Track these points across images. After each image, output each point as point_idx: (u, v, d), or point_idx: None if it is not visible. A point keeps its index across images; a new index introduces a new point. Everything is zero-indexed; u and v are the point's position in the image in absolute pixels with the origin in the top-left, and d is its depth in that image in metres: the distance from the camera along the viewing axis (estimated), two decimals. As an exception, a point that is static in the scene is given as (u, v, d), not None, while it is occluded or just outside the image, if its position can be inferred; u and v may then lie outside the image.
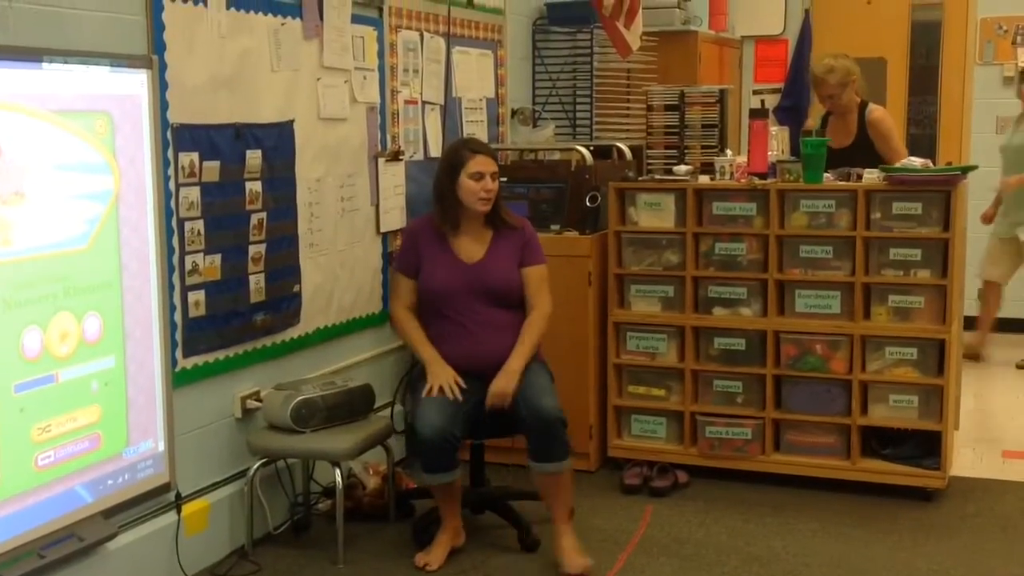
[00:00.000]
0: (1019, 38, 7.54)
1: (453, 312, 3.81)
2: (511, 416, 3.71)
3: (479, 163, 3.78)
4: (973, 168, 4.36)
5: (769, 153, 4.48)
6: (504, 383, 3.69)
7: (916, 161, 4.25)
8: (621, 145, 5.17)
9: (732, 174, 4.46)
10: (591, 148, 5.01)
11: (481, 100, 5.34)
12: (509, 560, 3.80)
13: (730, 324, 4.50)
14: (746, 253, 4.44)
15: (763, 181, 4.39)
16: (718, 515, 4.23)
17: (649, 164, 4.84)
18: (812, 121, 5.31)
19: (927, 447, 4.32)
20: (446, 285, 3.80)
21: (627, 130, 5.68)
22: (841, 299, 4.34)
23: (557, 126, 5.74)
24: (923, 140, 7.73)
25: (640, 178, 4.72)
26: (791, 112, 8.06)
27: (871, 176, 4.27)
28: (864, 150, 4.94)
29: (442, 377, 3.70)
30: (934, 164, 4.42)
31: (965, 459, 4.81)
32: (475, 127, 5.28)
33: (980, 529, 4.07)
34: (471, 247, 3.85)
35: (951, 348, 4.22)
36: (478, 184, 3.77)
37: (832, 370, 4.37)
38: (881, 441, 4.45)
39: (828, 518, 4.18)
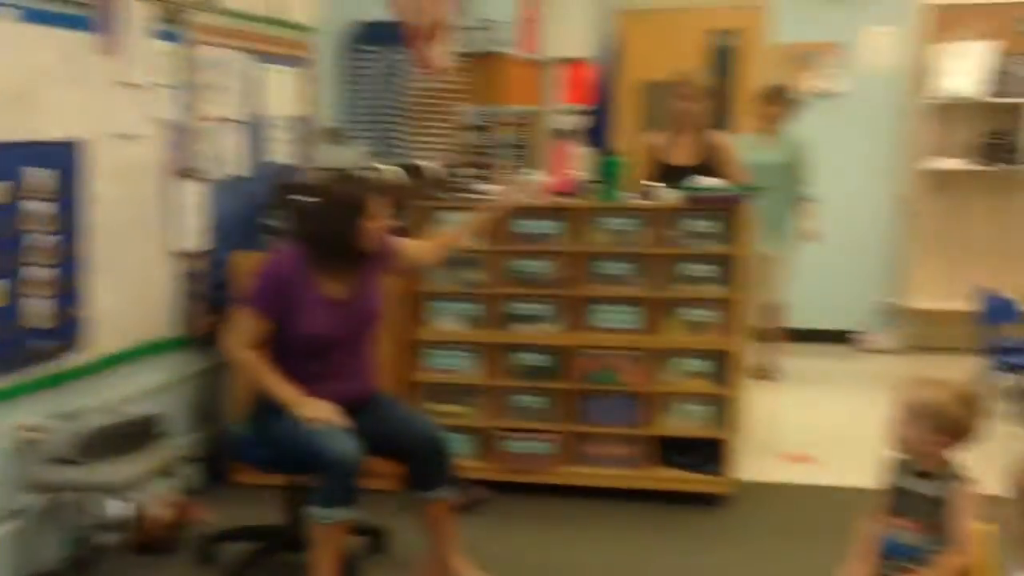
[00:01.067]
0: (809, 63, 8.01)
1: (325, 354, 3.58)
2: (387, 443, 3.61)
3: (378, 204, 3.57)
4: (760, 189, 4.61)
5: (572, 172, 4.63)
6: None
7: (707, 180, 4.47)
8: (429, 164, 5.24)
9: (534, 191, 4.59)
10: (399, 167, 5.07)
11: (288, 118, 5.32)
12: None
13: (532, 340, 4.62)
14: (549, 270, 4.58)
15: (565, 199, 4.53)
16: (518, 529, 4.33)
17: (455, 183, 4.91)
18: (654, 138, 5.33)
19: (715, 455, 4.54)
20: (327, 333, 3.56)
21: (438, 149, 5.76)
22: (638, 314, 4.52)
23: (368, 146, 5.77)
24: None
25: (446, 197, 4.80)
26: (596, 134, 8.34)
27: (667, 195, 4.47)
28: (707, 172, 4.94)
29: (320, 411, 3.46)
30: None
31: (751, 464, 5.07)
32: (282, 146, 5.26)
33: (762, 532, 4.30)
34: (337, 285, 3.60)
35: (737, 359, 4.46)
36: (374, 224, 3.57)
37: (628, 383, 4.54)
38: (674, 450, 4.65)
39: (624, 527, 4.34)
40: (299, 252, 3.60)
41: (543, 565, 3.98)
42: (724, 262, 4.42)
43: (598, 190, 4.50)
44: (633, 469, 4.59)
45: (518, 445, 4.63)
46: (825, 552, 3.05)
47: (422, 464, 3.62)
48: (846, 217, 8.02)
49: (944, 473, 2.79)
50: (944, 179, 7.80)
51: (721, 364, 4.48)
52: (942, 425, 2.72)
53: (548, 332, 4.60)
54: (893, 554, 2.84)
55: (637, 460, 4.59)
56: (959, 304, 7.21)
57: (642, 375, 4.52)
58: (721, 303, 4.45)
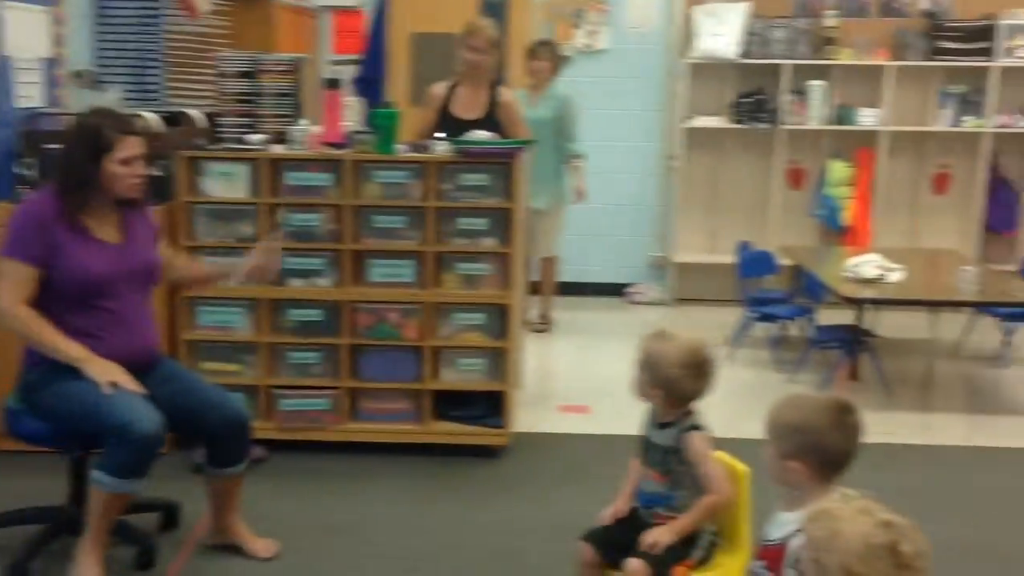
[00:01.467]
0: (577, 19, 8.11)
1: (105, 302, 3.32)
2: (185, 420, 3.41)
3: (129, 146, 3.31)
4: (531, 142, 4.62)
5: (344, 124, 4.50)
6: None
7: (481, 134, 4.44)
8: (192, 112, 4.99)
9: (307, 144, 4.44)
10: (160, 115, 4.79)
11: (36, 60, 4.93)
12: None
13: (306, 296, 4.49)
14: (321, 224, 4.45)
15: (337, 151, 4.40)
16: (295, 487, 4.23)
17: (221, 132, 4.69)
18: (439, 88, 5.26)
19: (493, 407, 4.56)
20: (102, 272, 3.30)
21: (200, 96, 5.49)
22: (413, 268, 4.46)
23: (124, 91, 5.43)
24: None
25: (212, 147, 4.58)
26: (368, 84, 8.18)
27: (441, 147, 4.41)
28: (491, 127, 4.98)
29: (112, 372, 3.22)
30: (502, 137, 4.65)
31: (528, 416, 5.13)
32: (30, 89, 4.87)
33: (540, 481, 4.36)
34: (107, 228, 3.38)
35: (513, 313, 4.47)
36: (127, 170, 3.30)
37: (405, 337, 4.49)
38: (451, 403, 4.64)
39: (402, 482, 4.30)
40: (54, 195, 3.33)
41: (323, 523, 3.89)
42: (499, 216, 4.41)
43: (371, 142, 4.38)
44: (412, 424, 4.56)
45: (294, 403, 4.51)
46: (599, 497, 3.10)
47: (225, 444, 3.46)
48: (616, 173, 8.24)
49: (680, 423, 2.87)
50: (706, 137, 8.10)
51: (498, 318, 4.48)
52: (657, 379, 2.78)
53: (322, 287, 4.48)
54: (644, 502, 2.92)
55: (416, 415, 4.55)
56: (722, 257, 7.54)
57: (419, 329, 4.47)
58: (496, 257, 4.44)
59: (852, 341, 5.38)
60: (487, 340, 4.49)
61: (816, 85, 7.83)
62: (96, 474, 3.19)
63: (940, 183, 8.14)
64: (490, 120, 5.11)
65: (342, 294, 4.46)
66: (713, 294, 7.90)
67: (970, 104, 7.87)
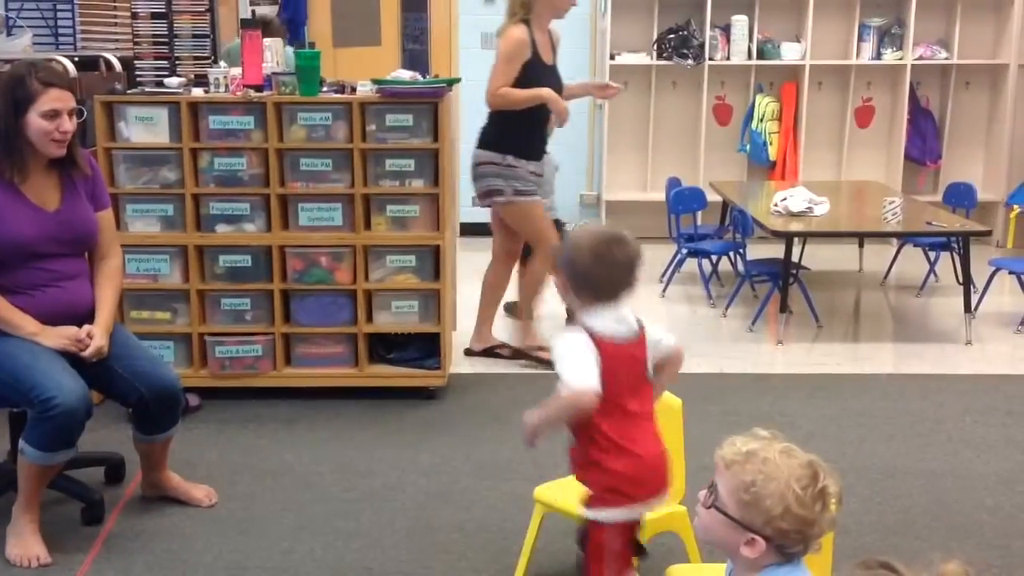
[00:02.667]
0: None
1: (39, 263, 3.22)
2: (114, 386, 3.34)
3: (54, 99, 3.15)
4: (456, 80, 4.57)
5: (265, 65, 4.40)
6: (103, 340, 3.25)
7: (405, 74, 4.38)
8: (108, 56, 4.84)
9: (228, 87, 4.34)
10: (75, 60, 4.65)
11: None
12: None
13: (234, 241, 4.42)
14: (246, 168, 4.37)
15: (259, 94, 4.31)
16: (232, 434, 4.20)
17: (139, 76, 4.57)
18: (519, 32, 4.77)
19: (429, 349, 4.54)
20: (34, 236, 3.19)
21: (115, 40, 5.33)
22: (343, 211, 4.40)
23: (36, 35, 5.26)
24: (418, 55, 8.05)
25: (130, 91, 4.45)
26: (289, 25, 8.03)
27: (364, 88, 4.35)
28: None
29: (66, 336, 3.19)
30: (424, 77, 4.58)
31: (463, 357, 5.13)
32: (-65, 35, 4.70)
33: (477, 421, 4.36)
34: (44, 193, 3.25)
35: (445, 254, 4.45)
36: (52, 124, 3.15)
37: (337, 281, 4.45)
38: (387, 346, 4.62)
39: (339, 425, 4.29)
40: None
41: (261, 468, 3.87)
42: (427, 157, 4.36)
43: (293, 83, 4.30)
44: (348, 368, 4.53)
45: (228, 350, 4.45)
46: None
47: (153, 414, 3.38)
48: (543, 112, 8.20)
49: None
50: (632, 74, 8.08)
51: (430, 259, 4.45)
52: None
53: (250, 232, 4.41)
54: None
55: (351, 358, 4.52)
56: (655, 195, 7.57)
57: (351, 273, 4.43)
58: (426, 198, 4.40)
59: (782, 274, 5.44)
60: (420, 282, 4.46)
61: (739, 19, 7.84)
62: (22, 444, 3.12)
63: (864, 116, 8.23)
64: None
65: (271, 239, 4.40)
66: (646, 232, 7.79)
67: (891, 36, 7.95)
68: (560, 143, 8.20)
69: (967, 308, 5.42)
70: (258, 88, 4.33)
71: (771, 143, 8.04)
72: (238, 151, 4.34)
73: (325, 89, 4.42)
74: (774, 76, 8.07)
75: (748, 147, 8.09)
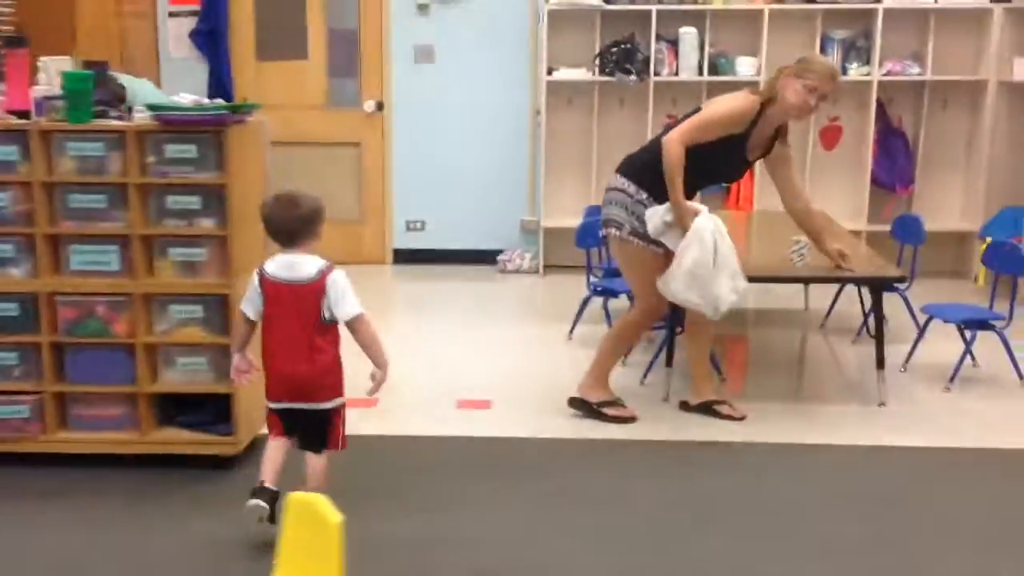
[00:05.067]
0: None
1: None
2: None
3: None
4: (249, 107, 3.99)
5: (39, 88, 3.89)
6: None
7: (187, 98, 3.83)
8: None
9: (-9, 112, 3.83)
10: None
11: None
12: None
13: (-2, 287, 3.91)
14: (12, 204, 3.85)
15: (21, 120, 3.79)
16: (7, 506, 3.68)
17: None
18: (750, 107, 4.31)
19: (224, 412, 3.98)
20: None
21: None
22: (120, 254, 3.87)
23: None
24: (347, 70, 7.61)
25: None
26: (209, 37, 7.57)
27: (140, 115, 3.81)
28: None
29: None
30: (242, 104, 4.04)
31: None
32: None
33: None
34: None
35: (236, 304, 3.88)
36: None
37: (115, 334, 3.91)
38: (180, 407, 4.07)
39: (117, 500, 3.74)
40: None
41: (15, 551, 3.36)
42: (212, 193, 3.81)
43: (63, 108, 3.77)
44: (129, 432, 3.98)
45: (-8, 410, 3.94)
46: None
47: None
48: (486, 131, 7.65)
49: None
50: (573, 91, 7.48)
51: (218, 310, 3.89)
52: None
53: (15, 278, 3.89)
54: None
55: (133, 421, 3.98)
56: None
57: (132, 324, 3.89)
58: (214, 240, 3.85)
59: (672, 324, 4.80)
60: (207, 335, 3.91)
61: (688, 32, 7.19)
62: None
63: (830, 137, 7.54)
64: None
65: (39, 285, 3.87)
66: (580, 260, 7.32)
67: (856, 50, 7.25)
68: (498, 162, 7.68)
69: (879, 364, 4.73)
70: (24, 114, 3.81)
71: (724, 166, 7.36)
72: (2, 185, 3.83)
73: (116, 115, 3.89)
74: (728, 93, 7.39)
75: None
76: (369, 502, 3.69)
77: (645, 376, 5.08)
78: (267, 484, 3.36)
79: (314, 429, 3.42)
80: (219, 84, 7.60)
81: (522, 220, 7.79)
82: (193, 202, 3.82)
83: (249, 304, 3.40)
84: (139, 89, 4.76)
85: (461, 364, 5.45)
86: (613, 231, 4.47)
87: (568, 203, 7.64)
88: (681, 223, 4.22)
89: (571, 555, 3.36)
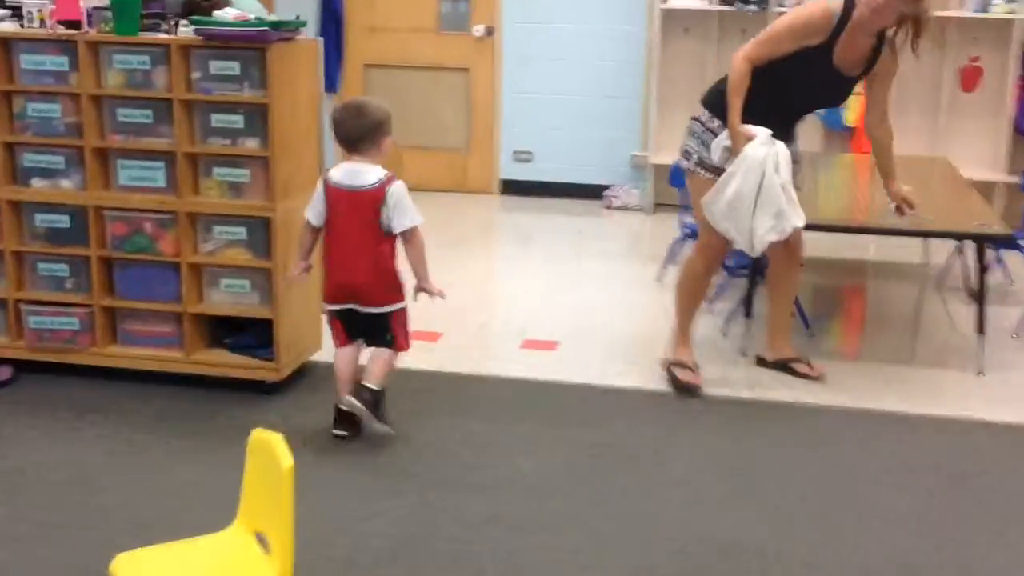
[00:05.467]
0: None
1: None
2: None
3: None
4: (296, 24, 3.82)
5: (85, -2, 3.82)
6: None
7: (231, 12, 3.69)
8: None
9: (44, 22, 3.79)
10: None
11: None
12: None
13: (49, 199, 3.89)
14: (62, 116, 3.82)
15: (70, 31, 3.74)
16: (44, 417, 3.73)
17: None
18: (830, 10, 3.80)
19: (267, 336, 3.90)
20: None
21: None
22: (166, 172, 3.80)
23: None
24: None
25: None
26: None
27: (185, 29, 3.71)
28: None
29: None
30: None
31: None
32: None
33: (301, 425, 3.69)
34: None
35: (278, 228, 3.77)
36: None
37: (162, 251, 3.86)
38: (227, 328, 4.02)
39: (151, 419, 3.72)
40: None
41: (35, 462, 3.39)
42: (257, 113, 3.69)
43: (109, 19, 3.70)
44: (175, 350, 3.95)
45: (43, 320, 3.96)
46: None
47: None
48: (598, 61, 7.35)
49: None
50: (689, 20, 7.08)
51: (261, 233, 3.79)
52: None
53: (66, 189, 3.88)
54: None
55: (180, 340, 3.94)
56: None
57: (177, 243, 3.84)
58: (258, 161, 3.74)
59: (753, 272, 4.49)
60: (251, 259, 3.82)
61: (817, -40, 6.69)
62: None
63: (969, 78, 6.95)
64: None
65: (87, 198, 3.85)
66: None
67: (1003, -15, 6.63)
68: (610, 95, 7.37)
69: (979, 327, 4.33)
70: (75, 24, 3.75)
71: (847, 105, 6.88)
72: (52, 95, 3.80)
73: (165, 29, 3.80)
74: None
75: (821, 110, 6.96)
76: (397, 441, 3.57)
77: (726, 326, 4.79)
78: (344, 407, 3.49)
79: (375, 331, 3.54)
80: (329, 4, 7.50)
81: (633, 155, 7.47)
82: (236, 121, 3.72)
83: (312, 210, 3.50)
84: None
85: (539, 301, 5.26)
86: (683, 162, 4.15)
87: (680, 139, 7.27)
88: (735, 148, 3.84)
89: (593, 509, 3.17)
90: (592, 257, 6.15)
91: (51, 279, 3.97)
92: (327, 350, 4.01)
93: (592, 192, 7.55)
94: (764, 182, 3.76)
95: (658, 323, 4.71)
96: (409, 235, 3.45)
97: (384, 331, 3.53)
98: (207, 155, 3.77)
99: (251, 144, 3.73)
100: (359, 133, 3.41)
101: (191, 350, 3.93)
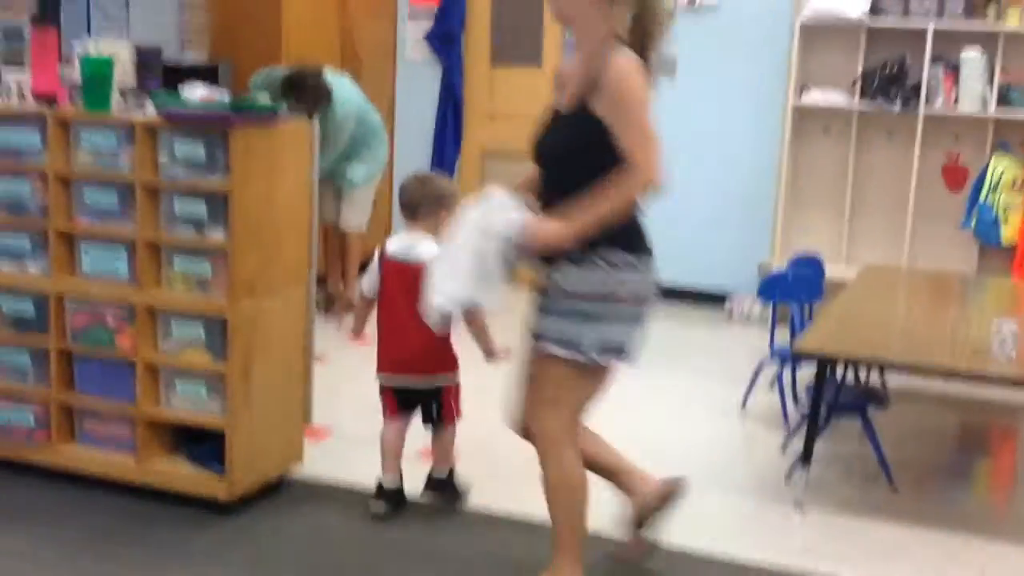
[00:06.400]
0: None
1: None
2: None
3: None
4: (262, 107, 3.43)
5: (62, 71, 3.59)
6: None
7: (198, 91, 3.35)
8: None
9: (24, 95, 3.57)
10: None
11: None
12: None
13: (14, 283, 3.63)
14: (32, 196, 3.57)
15: (39, 107, 3.50)
16: None
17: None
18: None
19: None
20: None
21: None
22: (127, 260, 3.48)
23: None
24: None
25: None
26: (444, 39, 7.22)
27: (151, 107, 3.40)
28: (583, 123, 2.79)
29: None
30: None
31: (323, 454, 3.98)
32: None
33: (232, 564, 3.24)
34: None
35: (236, 329, 3.36)
36: None
37: (119, 347, 3.52)
38: (188, 437, 3.63)
39: (94, 530, 3.37)
40: None
41: None
42: (219, 200, 3.32)
43: (82, 96, 3.43)
44: (129, 455, 3.59)
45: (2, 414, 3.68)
46: None
47: None
48: (729, 159, 6.74)
49: None
50: (831, 117, 6.38)
51: (218, 333, 3.40)
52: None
53: (30, 273, 3.61)
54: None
55: (134, 445, 3.57)
56: (845, 270, 5.85)
57: (136, 338, 3.49)
58: (217, 253, 3.36)
59: (809, 409, 3.76)
60: (208, 361, 3.42)
61: (971, 56, 5.90)
62: None
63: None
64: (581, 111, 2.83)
65: (51, 285, 3.57)
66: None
67: None
68: (739, 196, 6.71)
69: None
70: (50, 99, 3.51)
71: (1006, 220, 6.00)
72: (21, 174, 3.55)
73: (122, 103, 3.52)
74: (1020, 131, 6.03)
75: (974, 223, 6.10)
76: None
77: (789, 473, 4.04)
78: (387, 484, 3.46)
79: (426, 404, 3.51)
80: (449, 89, 7.22)
81: (760, 264, 6.76)
82: (199, 210, 3.35)
83: (367, 281, 3.53)
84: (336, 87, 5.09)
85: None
86: None
87: (812, 246, 6.53)
88: None
89: None
90: (683, 374, 5.48)
91: (13, 371, 3.69)
92: (313, 463, 3.60)
93: (712, 299, 6.89)
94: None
95: (722, 455, 4.02)
96: (469, 314, 3.23)
97: (435, 404, 3.50)
98: (169, 245, 3.42)
99: (216, 235, 3.35)
100: (419, 199, 3.43)
101: (144, 456, 3.56)
